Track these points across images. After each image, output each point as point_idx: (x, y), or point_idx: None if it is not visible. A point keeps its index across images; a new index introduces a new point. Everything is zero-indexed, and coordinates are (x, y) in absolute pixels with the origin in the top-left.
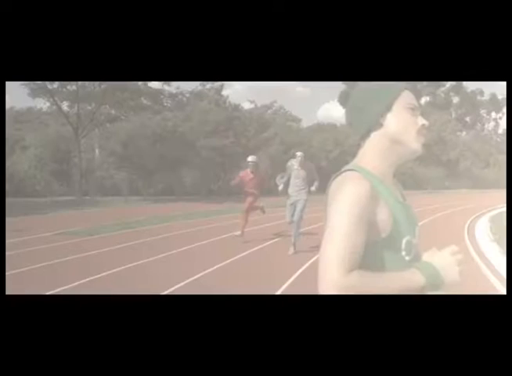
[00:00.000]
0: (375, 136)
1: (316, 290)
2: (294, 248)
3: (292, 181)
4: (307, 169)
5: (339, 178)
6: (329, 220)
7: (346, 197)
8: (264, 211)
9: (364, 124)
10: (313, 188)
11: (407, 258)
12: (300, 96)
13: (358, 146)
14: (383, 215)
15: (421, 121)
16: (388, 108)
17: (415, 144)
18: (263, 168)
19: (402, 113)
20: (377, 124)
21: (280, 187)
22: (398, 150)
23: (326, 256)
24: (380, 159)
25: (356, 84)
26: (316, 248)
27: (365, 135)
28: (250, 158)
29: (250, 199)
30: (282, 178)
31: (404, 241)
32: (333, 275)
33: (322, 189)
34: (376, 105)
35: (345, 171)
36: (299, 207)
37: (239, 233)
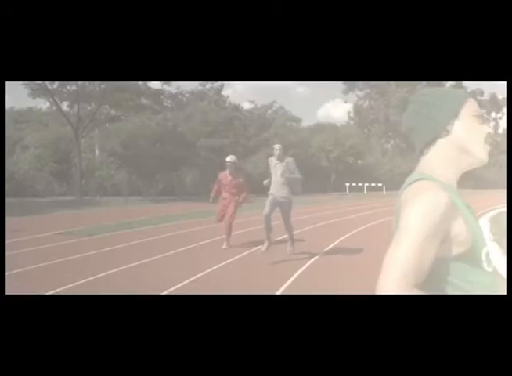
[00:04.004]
0: (441, 144)
1: (316, 290)
2: (292, 248)
3: (272, 178)
4: (285, 163)
5: (413, 186)
6: (401, 229)
7: (422, 207)
8: (227, 246)
9: (430, 131)
10: (298, 187)
11: (489, 269)
12: (300, 96)
13: (421, 153)
14: (460, 228)
15: (487, 128)
16: (456, 115)
17: (482, 152)
18: (245, 169)
19: (469, 120)
20: (444, 132)
21: (265, 183)
22: (464, 158)
23: (388, 266)
24: (448, 167)
25: (356, 85)
26: (315, 248)
27: (429, 143)
28: (228, 158)
29: (230, 208)
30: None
31: (484, 252)
32: (392, 288)
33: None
34: (443, 112)
35: (418, 179)
36: (285, 210)
37: (224, 246)
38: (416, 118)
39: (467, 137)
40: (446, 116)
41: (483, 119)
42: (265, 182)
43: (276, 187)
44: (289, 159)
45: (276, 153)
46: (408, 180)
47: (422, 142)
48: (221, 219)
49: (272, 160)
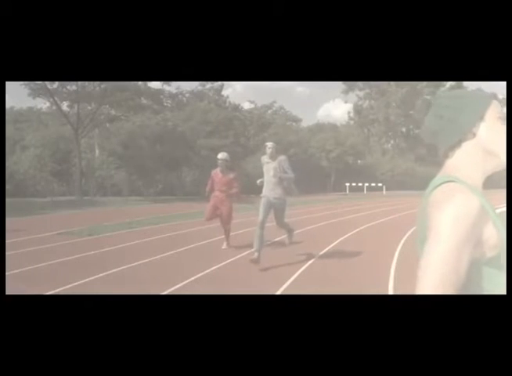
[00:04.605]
0: (467, 146)
1: (316, 290)
2: (290, 239)
3: (265, 178)
4: (277, 161)
5: (442, 189)
6: (434, 234)
7: (455, 211)
8: (227, 246)
9: (455, 134)
10: (293, 187)
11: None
12: (300, 96)
13: (445, 156)
14: (491, 232)
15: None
16: (481, 117)
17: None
18: (245, 169)
19: (494, 122)
20: (470, 134)
21: (259, 182)
22: (490, 160)
23: (425, 274)
24: (474, 170)
25: (356, 85)
26: (316, 248)
27: (454, 146)
28: (219, 155)
29: (225, 210)
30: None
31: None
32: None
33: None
34: (469, 114)
35: (446, 182)
36: (278, 211)
37: (224, 246)
38: (439, 121)
39: (493, 139)
40: (472, 118)
41: (504, 120)
42: (258, 181)
43: (269, 187)
44: (282, 157)
45: (269, 151)
46: (434, 182)
47: (447, 145)
48: (209, 218)
49: (264, 159)
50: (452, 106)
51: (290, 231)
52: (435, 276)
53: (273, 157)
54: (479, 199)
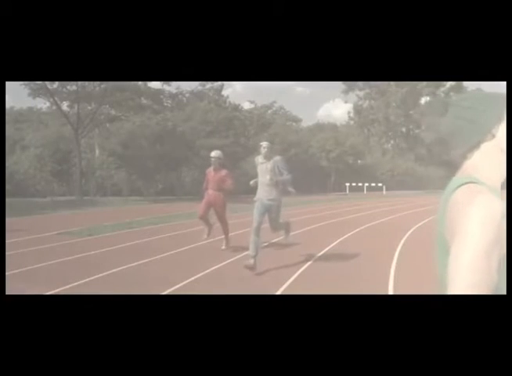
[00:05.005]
0: (486, 147)
1: (316, 290)
2: (287, 235)
3: (259, 179)
4: (273, 162)
5: (464, 190)
6: (462, 236)
7: (481, 212)
8: (226, 246)
9: (475, 135)
10: (291, 189)
11: None
12: (300, 96)
13: (464, 157)
14: (504, 233)
15: None
16: (501, 119)
17: None
18: (238, 166)
19: None
20: (489, 135)
21: (252, 183)
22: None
23: (458, 276)
24: (493, 171)
25: (356, 85)
26: (315, 247)
27: (474, 147)
28: (212, 153)
29: (218, 211)
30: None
31: None
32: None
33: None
34: (488, 116)
35: (467, 183)
36: (273, 213)
37: (224, 246)
38: (458, 122)
39: None
40: (491, 119)
41: None
42: (251, 182)
43: (263, 189)
44: (277, 158)
45: (263, 151)
46: (454, 183)
47: (465, 146)
48: (202, 215)
49: (259, 159)
50: (472, 107)
51: (287, 229)
52: (467, 283)
53: (268, 158)
54: (499, 200)
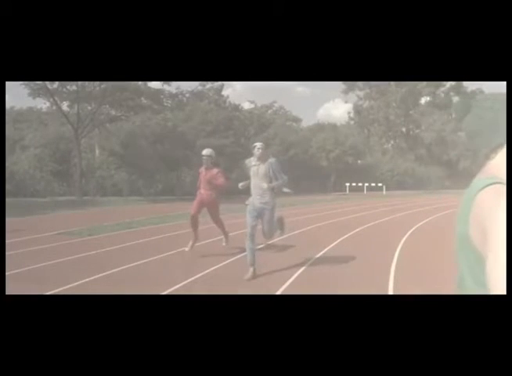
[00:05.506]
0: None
1: (315, 290)
2: (282, 231)
3: (252, 181)
4: (267, 165)
5: (491, 191)
6: (497, 237)
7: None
8: (226, 243)
9: (497, 135)
10: (286, 190)
11: None
12: (300, 96)
13: (486, 157)
14: None
15: None
16: None
17: None
18: (237, 166)
19: None
20: None
21: (241, 186)
22: None
23: (500, 276)
24: None
25: (356, 85)
26: (315, 247)
27: (496, 147)
28: (204, 152)
29: (209, 202)
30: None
31: None
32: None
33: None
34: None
35: (493, 183)
36: (266, 217)
37: (224, 243)
38: (480, 123)
39: None
40: None
41: None
42: (240, 184)
43: (257, 192)
44: (272, 160)
45: (258, 152)
46: (479, 183)
47: (488, 146)
48: (194, 214)
49: (251, 161)
50: (492, 108)
51: (281, 226)
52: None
53: (261, 159)
54: None
